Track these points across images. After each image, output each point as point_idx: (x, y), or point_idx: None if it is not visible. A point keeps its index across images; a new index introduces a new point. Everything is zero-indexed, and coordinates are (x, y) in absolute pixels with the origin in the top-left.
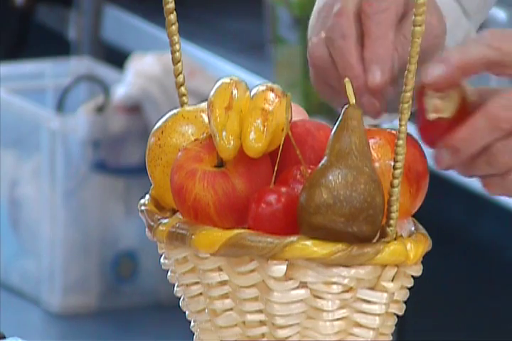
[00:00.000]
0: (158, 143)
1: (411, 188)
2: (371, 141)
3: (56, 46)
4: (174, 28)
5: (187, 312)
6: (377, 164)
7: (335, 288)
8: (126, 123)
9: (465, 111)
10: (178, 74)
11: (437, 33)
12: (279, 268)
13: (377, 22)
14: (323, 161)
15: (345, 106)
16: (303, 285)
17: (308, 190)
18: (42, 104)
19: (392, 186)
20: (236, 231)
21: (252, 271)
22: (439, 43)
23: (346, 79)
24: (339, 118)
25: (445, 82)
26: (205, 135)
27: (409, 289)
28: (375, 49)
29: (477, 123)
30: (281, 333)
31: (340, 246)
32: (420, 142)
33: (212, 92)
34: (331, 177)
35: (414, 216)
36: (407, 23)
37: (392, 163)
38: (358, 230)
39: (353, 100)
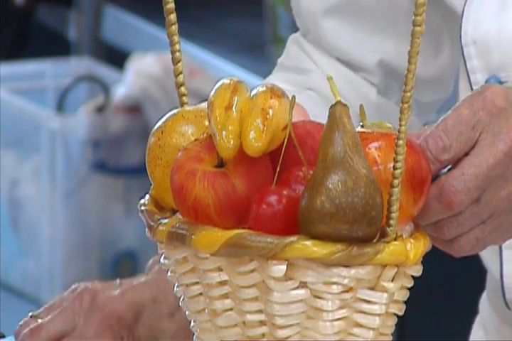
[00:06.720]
0: (158, 143)
1: (415, 195)
2: (375, 145)
3: (56, 46)
4: (174, 28)
5: (187, 312)
6: (381, 167)
7: (335, 288)
8: (126, 123)
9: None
10: (178, 74)
11: None
12: (279, 268)
13: None
14: (318, 167)
15: (332, 105)
16: (303, 285)
17: (308, 199)
18: (42, 104)
19: (392, 186)
20: (236, 231)
21: (252, 271)
22: None
23: (328, 75)
24: (327, 118)
25: None
26: (205, 135)
27: (409, 289)
28: None
29: (431, 204)
30: (281, 333)
31: (340, 246)
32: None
33: (212, 92)
34: (330, 186)
35: None
36: None
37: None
38: (363, 233)
39: (338, 97)
